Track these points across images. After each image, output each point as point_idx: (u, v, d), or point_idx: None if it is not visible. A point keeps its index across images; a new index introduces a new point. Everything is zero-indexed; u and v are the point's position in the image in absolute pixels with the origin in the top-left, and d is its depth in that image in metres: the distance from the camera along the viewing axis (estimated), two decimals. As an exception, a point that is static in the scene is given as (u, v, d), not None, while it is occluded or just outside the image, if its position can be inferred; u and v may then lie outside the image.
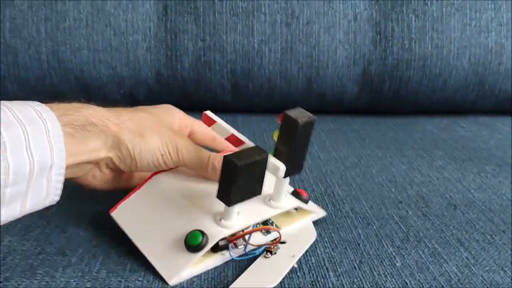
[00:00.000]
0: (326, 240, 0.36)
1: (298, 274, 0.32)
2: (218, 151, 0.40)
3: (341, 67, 0.66)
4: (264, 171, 0.31)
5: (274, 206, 0.35)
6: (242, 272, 0.32)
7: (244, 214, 0.33)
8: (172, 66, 0.66)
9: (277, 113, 0.33)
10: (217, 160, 0.35)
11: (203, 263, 0.32)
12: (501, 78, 0.68)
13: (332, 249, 0.35)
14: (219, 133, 0.37)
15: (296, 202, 0.36)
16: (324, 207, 0.41)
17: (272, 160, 0.33)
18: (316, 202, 0.42)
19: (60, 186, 0.30)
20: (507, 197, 0.44)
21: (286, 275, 0.32)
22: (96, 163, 0.33)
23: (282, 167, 0.32)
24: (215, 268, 0.32)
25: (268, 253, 0.33)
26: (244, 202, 0.32)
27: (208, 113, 0.37)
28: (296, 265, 0.33)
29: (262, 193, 0.35)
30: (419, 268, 0.33)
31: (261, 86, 0.67)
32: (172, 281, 0.30)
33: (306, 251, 0.34)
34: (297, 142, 0.32)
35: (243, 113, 0.68)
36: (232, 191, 0.29)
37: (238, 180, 0.29)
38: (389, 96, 0.69)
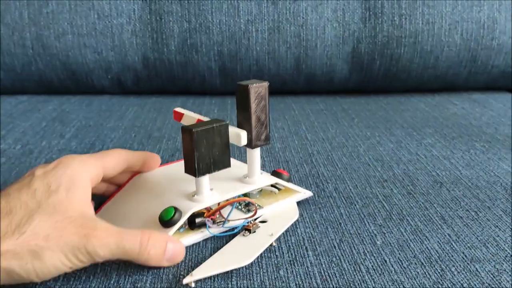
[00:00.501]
0: (307, 220, 0.36)
1: (276, 253, 0.32)
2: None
3: (330, 46, 0.65)
4: (227, 140, 0.32)
5: (248, 182, 0.35)
6: (219, 253, 0.31)
7: (218, 190, 0.33)
8: (159, 49, 0.65)
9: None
10: (151, 240, 0.29)
11: (181, 239, 0.32)
12: (493, 54, 0.66)
13: (313, 228, 0.35)
14: (189, 123, 0.37)
15: (273, 179, 0.36)
16: (308, 187, 0.40)
17: (233, 129, 0.33)
18: (300, 182, 0.42)
19: None
20: (495, 174, 0.43)
21: (264, 254, 0.31)
22: None
23: (243, 133, 0.33)
24: (193, 249, 0.32)
25: (247, 232, 0.33)
26: (216, 177, 0.32)
27: (177, 109, 0.38)
28: (275, 244, 0.32)
29: (239, 174, 0.36)
30: (399, 246, 0.33)
31: (249, 68, 0.66)
32: None
33: (286, 231, 0.34)
34: (253, 109, 0.33)
35: (233, 95, 0.68)
36: (195, 160, 0.30)
37: (198, 148, 0.30)
38: (380, 75, 0.68)
